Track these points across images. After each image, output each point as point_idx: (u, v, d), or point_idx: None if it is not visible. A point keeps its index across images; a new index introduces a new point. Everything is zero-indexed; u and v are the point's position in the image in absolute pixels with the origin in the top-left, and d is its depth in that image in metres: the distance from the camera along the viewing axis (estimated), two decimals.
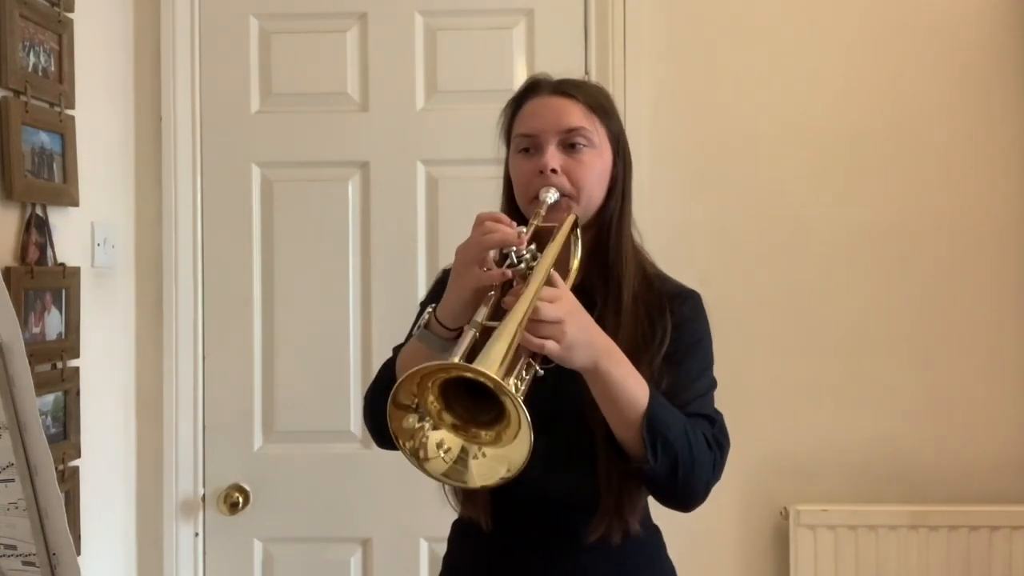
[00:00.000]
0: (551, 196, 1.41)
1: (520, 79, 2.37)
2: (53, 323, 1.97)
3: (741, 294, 2.35)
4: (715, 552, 2.38)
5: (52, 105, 1.99)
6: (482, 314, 1.24)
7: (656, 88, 2.39)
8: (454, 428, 1.17)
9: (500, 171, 1.56)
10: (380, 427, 1.50)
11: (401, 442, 1.17)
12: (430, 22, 2.44)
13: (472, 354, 1.15)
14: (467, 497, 1.49)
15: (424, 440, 1.17)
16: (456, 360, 1.14)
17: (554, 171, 1.42)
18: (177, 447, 2.40)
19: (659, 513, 1.50)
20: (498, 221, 1.33)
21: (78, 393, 2.06)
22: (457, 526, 1.60)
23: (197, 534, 2.42)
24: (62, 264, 2.01)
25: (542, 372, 1.21)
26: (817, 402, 2.39)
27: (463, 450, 1.17)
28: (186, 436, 2.41)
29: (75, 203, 2.07)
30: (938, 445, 2.38)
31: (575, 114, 1.46)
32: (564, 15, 2.42)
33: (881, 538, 2.30)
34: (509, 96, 1.54)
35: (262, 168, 2.45)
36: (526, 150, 1.47)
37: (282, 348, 2.44)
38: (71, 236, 2.08)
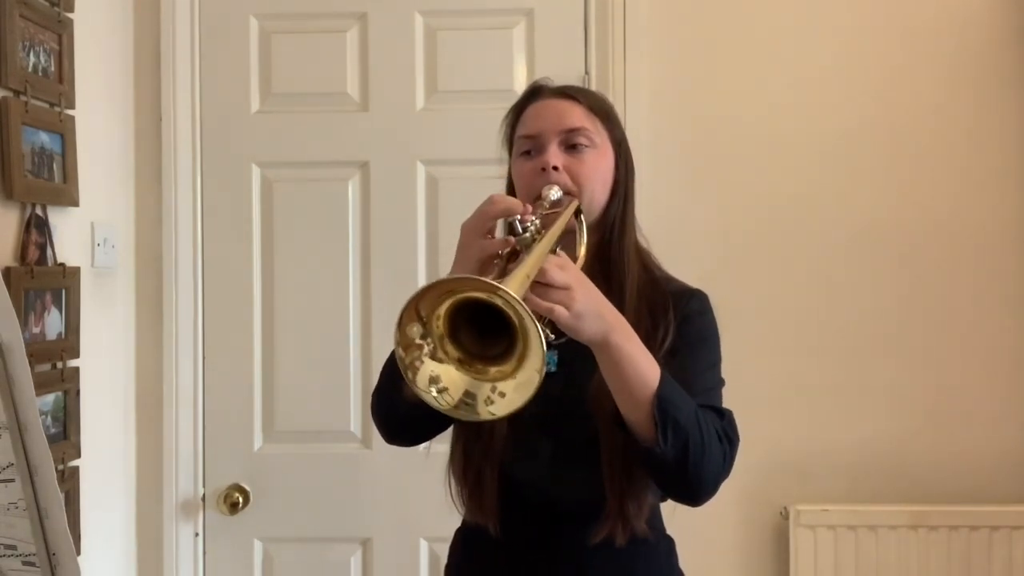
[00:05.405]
0: (554, 193, 1.40)
1: (520, 79, 2.39)
2: (53, 323, 1.97)
3: (741, 294, 2.35)
4: (715, 552, 2.37)
5: (52, 105, 1.99)
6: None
7: (656, 88, 2.39)
8: (459, 363, 1.12)
9: (502, 171, 1.56)
10: (387, 422, 1.51)
11: (398, 347, 1.11)
12: (430, 22, 2.44)
13: None
14: (475, 503, 1.47)
15: (417, 364, 1.11)
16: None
17: (556, 168, 1.41)
18: (177, 447, 2.40)
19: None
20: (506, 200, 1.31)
21: (78, 393, 2.06)
22: (461, 532, 1.58)
23: (197, 534, 2.42)
24: (62, 264, 2.01)
25: (554, 340, 1.17)
26: (817, 402, 2.39)
27: (468, 394, 1.11)
28: (186, 436, 2.41)
29: (75, 203, 2.07)
30: (938, 445, 2.38)
31: (576, 114, 1.45)
32: (564, 15, 2.42)
33: (881, 538, 2.30)
34: (509, 96, 1.54)
35: (262, 168, 2.45)
36: (528, 152, 1.46)
37: (282, 348, 2.44)
38: (71, 236, 2.08)
